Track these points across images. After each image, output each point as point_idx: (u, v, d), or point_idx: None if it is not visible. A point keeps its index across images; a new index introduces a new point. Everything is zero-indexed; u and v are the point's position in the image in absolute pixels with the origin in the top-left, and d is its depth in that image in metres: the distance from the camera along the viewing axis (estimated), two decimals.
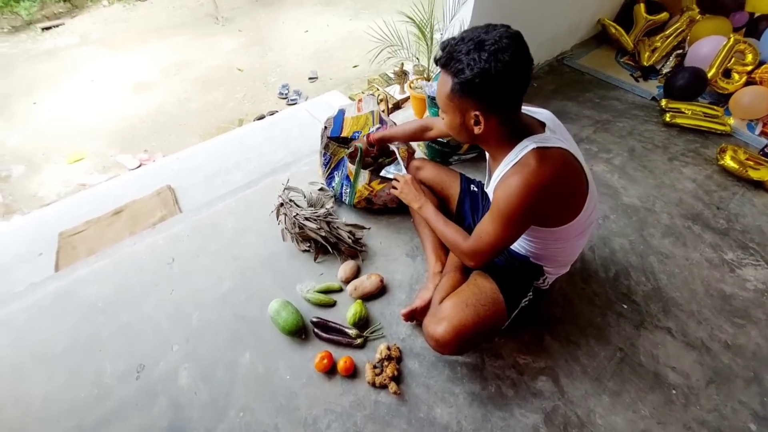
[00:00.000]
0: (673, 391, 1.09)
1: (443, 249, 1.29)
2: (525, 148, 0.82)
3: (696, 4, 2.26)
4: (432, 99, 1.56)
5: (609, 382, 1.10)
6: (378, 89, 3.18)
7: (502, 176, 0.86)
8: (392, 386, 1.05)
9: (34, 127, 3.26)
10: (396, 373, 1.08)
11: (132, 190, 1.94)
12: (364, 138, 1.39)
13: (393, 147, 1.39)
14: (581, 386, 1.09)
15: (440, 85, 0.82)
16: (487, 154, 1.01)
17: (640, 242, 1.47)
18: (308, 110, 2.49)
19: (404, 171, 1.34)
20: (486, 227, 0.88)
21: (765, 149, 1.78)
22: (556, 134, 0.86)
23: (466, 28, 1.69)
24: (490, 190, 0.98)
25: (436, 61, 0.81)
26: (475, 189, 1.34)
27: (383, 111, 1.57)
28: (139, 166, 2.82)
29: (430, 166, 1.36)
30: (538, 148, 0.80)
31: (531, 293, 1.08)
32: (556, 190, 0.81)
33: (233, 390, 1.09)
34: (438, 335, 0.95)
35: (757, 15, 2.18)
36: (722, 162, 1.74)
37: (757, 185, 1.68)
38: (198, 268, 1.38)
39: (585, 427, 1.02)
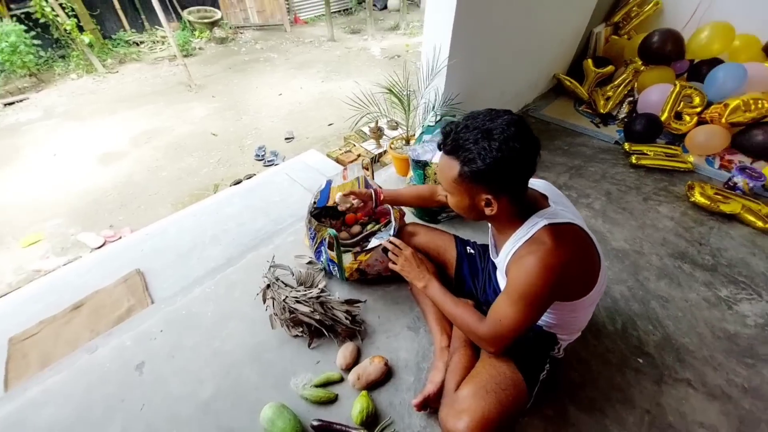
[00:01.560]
0: None
1: (447, 320, 1.21)
2: (535, 224, 0.81)
3: (638, 57, 2.53)
4: (416, 162, 1.57)
5: None
6: (355, 145, 3.25)
7: (515, 253, 0.83)
8: None
9: None
10: None
11: (94, 278, 1.75)
12: (371, 190, 1.26)
13: (388, 207, 1.36)
14: None
15: (445, 168, 0.81)
16: (489, 225, 0.99)
17: (638, 287, 1.46)
18: (287, 173, 2.46)
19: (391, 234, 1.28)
20: (505, 310, 0.82)
21: (729, 182, 1.90)
22: (560, 206, 0.85)
23: (440, 95, 1.78)
24: (499, 264, 0.94)
25: (440, 147, 0.81)
26: (472, 251, 1.30)
27: (368, 175, 1.56)
28: (104, 244, 2.62)
29: (424, 231, 1.32)
30: (550, 224, 0.79)
31: (548, 365, 1.01)
32: (574, 267, 0.79)
33: None
34: (460, 430, 0.84)
35: (696, 61, 2.46)
36: (693, 198, 1.83)
37: (730, 218, 1.76)
38: (173, 371, 1.21)
39: None
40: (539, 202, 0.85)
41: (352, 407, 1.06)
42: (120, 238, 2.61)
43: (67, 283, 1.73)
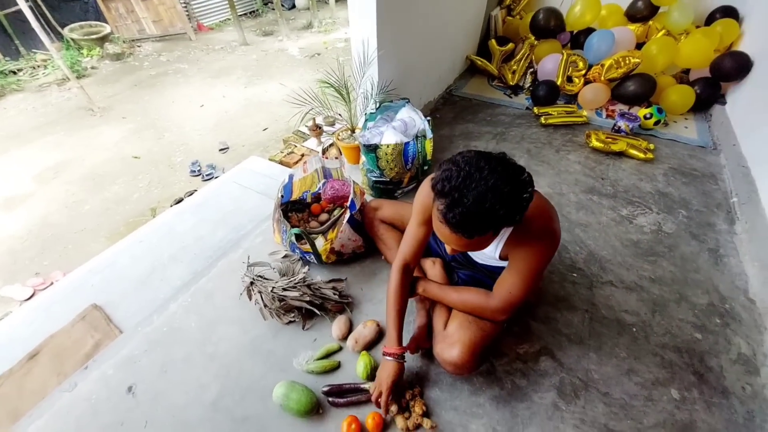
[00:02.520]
0: (634, 329, 1.32)
1: (421, 273, 1.37)
2: None
3: (531, 33, 2.93)
4: (367, 146, 1.70)
5: (590, 341, 1.28)
6: (296, 146, 3.27)
7: (509, 239, 0.95)
8: (426, 423, 1.05)
9: None
10: (424, 408, 1.08)
11: (43, 324, 1.59)
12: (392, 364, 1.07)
13: (349, 181, 1.47)
14: (572, 353, 1.25)
15: (476, 243, 0.78)
16: None
17: (564, 221, 1.78)
18: (235, 181, 2.42)
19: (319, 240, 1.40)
20: (514, 284, 0.94)
21: (614, 127, 2.36)
22: None
23: (375, 84, 1.92)
24: (487, 251, 1.01)
25: (473, 233, 0.73)
26: None
27: (336, 157, 1.66)
28: (33, 294, 2.33)
29: (387, 204, 1.46)
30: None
31: None
32: (558, 227, 0.95)
33: None
34: (456, 359, 1.00)
35: (575, 32, 2.92)
36: (591, 144, 2.23)
37: (620, 155, 2.19)
38: (170, 384, 1.20)
39: (589, 386, 1.16)
40: None
41: (356, 368, 1.18)
42: (52, 284, 2.34)
43: (12, 337, 1.55)
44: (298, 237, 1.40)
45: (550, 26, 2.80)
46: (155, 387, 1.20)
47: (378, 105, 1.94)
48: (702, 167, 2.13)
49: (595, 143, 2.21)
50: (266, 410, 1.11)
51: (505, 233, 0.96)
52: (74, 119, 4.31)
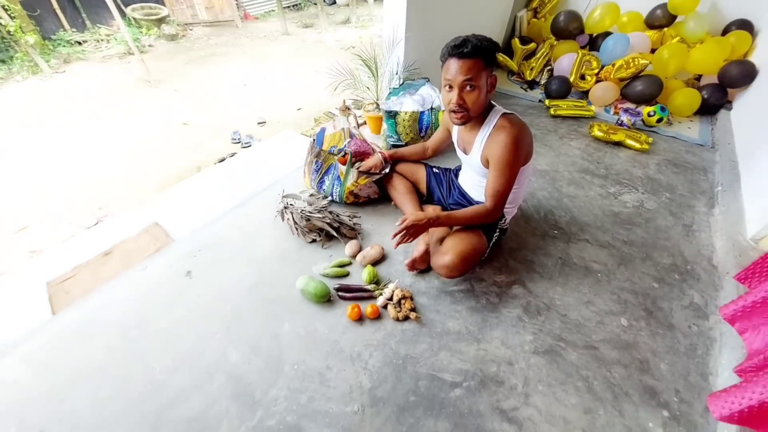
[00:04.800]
0: (599, 275, 1.55)
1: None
2: (494, 117, 1.25)
3: (552, 35, 3.15)
4: (388, 113, 2.00)
5: (558, 279, 1.53)
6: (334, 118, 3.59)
7: (488, 138, 1.26)
8: (412, 315, 1.33)
9: None
10: (413, 306, 1.37)
11: (113, 236, 1.98)
12: (378, 155, 1.75)
13: (375, 148, 1.78)
14: (541, 285, 1.50)
15: (473, 68, 1.13)
16: (455, 136, 1.44)
17: (555, 191, 2.01)
18: (272, 146, 2.78)
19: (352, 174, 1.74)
20: (497, 181, 1.24)
21: (617, 122, 2.55)
22: (499, 106, 1.31)
23: (401, 62, 2.22)
24: (474, 154, 1.34)
25: (470, 54, 1.12)
26: (437, 170, 1.76)
27: (354, 126, 1.97)
28: (97, 223, 2.76)
29: (403, 161, 1.78)
30: (505, 113, 1.25)
31: (498, 230, 1.49)
32: (525, 138, 1.24)
33: (282, 352, 1.26)
34: (448, 262, 1.30)
35: (594, 35, 3.12)
36: (593, 134, 2.44)
37: (618, 144, 2.39)
38: (218, 272, 1.54)
39: (551, 308, 1.41)
40: (491, 104, 1.31)
41: (362, 275, 1.47)
42: (114, 216, 2.76)
43: (87, 245, 1.94)
44: (344, 159, 1.72)
45: (569, 28, 3.01)
46: (206, 275, 1.54)
47: (402, 82, 2.24)
48: (695, 161, 2.30)
49: (597, 133, 2.42)
50: (290, 296, 1.42)
51: (485, 134, 1.26)
52: (133, 89, 4.85)
